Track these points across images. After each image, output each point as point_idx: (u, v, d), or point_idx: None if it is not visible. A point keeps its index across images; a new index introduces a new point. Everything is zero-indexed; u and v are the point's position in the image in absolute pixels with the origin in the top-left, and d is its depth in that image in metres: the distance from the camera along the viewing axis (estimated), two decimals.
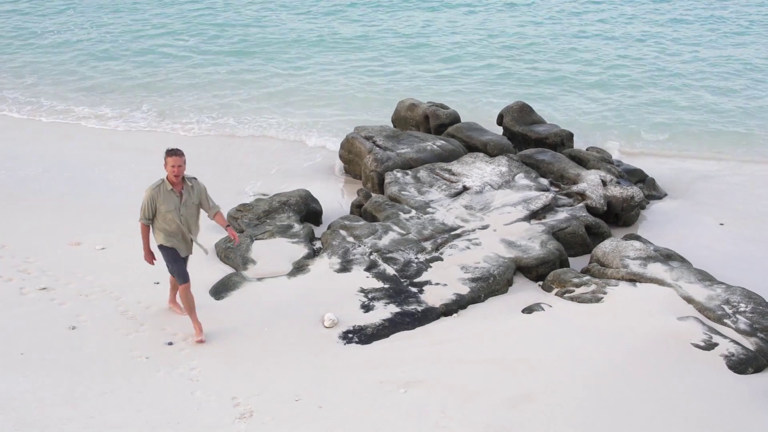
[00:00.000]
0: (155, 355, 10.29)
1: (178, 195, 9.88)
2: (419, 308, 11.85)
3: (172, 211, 9.84)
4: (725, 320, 11.34)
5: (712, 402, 9.62)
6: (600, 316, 11.47)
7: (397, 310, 11.78)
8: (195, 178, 10.15)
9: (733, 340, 10.85)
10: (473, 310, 12.07)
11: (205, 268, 12.44)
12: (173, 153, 9.67)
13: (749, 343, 10.86)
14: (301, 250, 13.42)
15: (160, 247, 10.19)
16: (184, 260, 10.44)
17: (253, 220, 14.39)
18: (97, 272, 12.45)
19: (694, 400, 9.63)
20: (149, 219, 9.98)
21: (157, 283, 12.12)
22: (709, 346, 10.72)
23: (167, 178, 9.81)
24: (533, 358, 10.45)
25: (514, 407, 9.35)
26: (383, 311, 11.72)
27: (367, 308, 11.79)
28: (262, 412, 9.15)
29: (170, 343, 10.59)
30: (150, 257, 10.46)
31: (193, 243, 10.39)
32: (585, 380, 9.90)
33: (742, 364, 10.46)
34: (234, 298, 11.95)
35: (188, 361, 10.18)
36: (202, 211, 10.49)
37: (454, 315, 11.96)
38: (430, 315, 11.79)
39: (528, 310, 11.88)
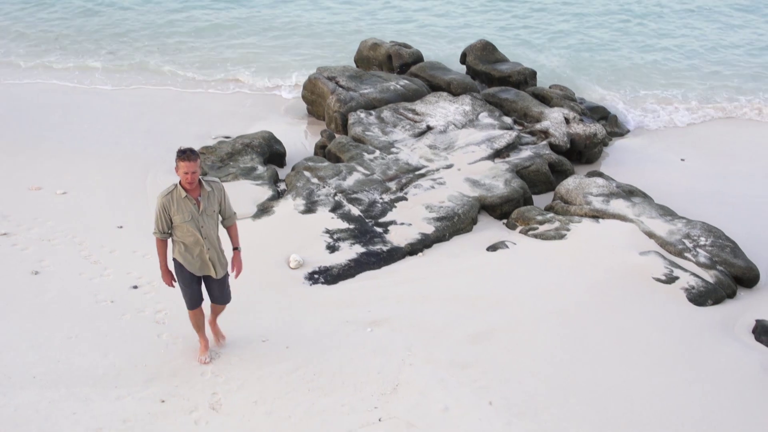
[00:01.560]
0: (120, 299, 10.25)
1: (194, 203, 8.06)
2: (384, 248, 11.90)
3: (189, 222, 8.06)
4: (686, 254, 11.53)
5: (671, 333, 9.82)
6: (563, 252, 11.61)
7: (363, 250, 11.82)
8: (216, 181, 8.32)
9: (693, 274, 11.06)
10: (438, 249, 12.15)
11: None
12: (186, 157, 7.77)
13: (709, 276, 11.08)
14: (265, 192, 13.37)
15: (175, 261, 8.44)
16: (210, 288, 8.79)
17: (216, 163, 14.28)
18: (58, 217, 12.31)
19: (655, 332, 9.83)
20: (165, 232, 8.20)
21: (120, 227, 12.04)
22: (670, 279, 10.91)
23: (180, 183, 8.02)
24: (497, 295, 10.57)
25: (478, 343, 9.48)
26: (348, 252, 11.75)
27: (332, 249, 11.81)
28: (229, 354, 9.19)
29: (135, 287, 10.55)
30: (168, 277, 8.55)
31: (214, 260, 8.46)
32: (547, 315, 10.06)
33: (701, 297, 10.68)
34: None
35: (154, 304, 10.15)
36: None
37: (420, 254, 12.03)
38: (395, 255, 11.85)
39: (492, 248, 11.98)
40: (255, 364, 9.00)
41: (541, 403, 8.43)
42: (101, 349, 9.14)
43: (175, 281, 8.51)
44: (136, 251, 11.43)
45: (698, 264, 11.34)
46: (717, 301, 10.77)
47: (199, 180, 8.04)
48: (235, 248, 8.53)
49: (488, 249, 12.00)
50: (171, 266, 8.58)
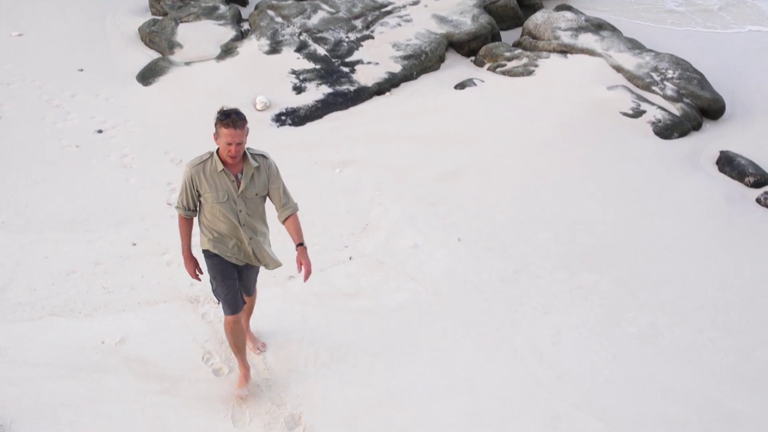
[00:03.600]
0: (85, 143, 10.12)
1: (233, 180, 5.77)
2: (351, 88, 11.76)
3: (223, 204, 5.80)
4: (653, 87, 11.54)
5: (638, 167, 9.94)
6: (531, 89, 11.56)
7: (330, 90, 11.68)
8: (265, 156, 5.93)
9: (660, 107, 11.10)
10: (406, 88, 12.04)
11: (129, 53, 12.07)
12: (231, 122, 5.52)
13: (675, 109, 11.13)
14: (228, 33, 13.03)
15: (205, 253, 6.08)
16: (241, 276, 6.30)
17: (177, 2, 13.81)
18: (16, 60, 11.97)
19: (621, 166, 9.94)
20: (190, 209, 5.96)
21: (81, 70, 11.75)
22: (637, 113, 10.96)
23: (219, 153, 5.75)
24: (465, 133, 10.58)
25: (447, 181, 9.56)
26: (315, 92, 11.61)
27: (299, 90, 11.66)
28: None
29: (100, 131, 10.41)
30: (192, 266, 6.20)
31: (260, 254, 6.17)
32: (515, 152, 10.11)
33: (667, 130, 10.76)
34: (162, 84, 11.68)
35: (120, 148, 10.05)
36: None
37: (387, 93, 11.92)
38: (362, 94, 11.73)
39: (460, 85, 11.89)
40: None
41: (509, 238, 8.59)
42: (69, 194, 9.09)
43: (200, 272, 6.23)
44: (99, 95, 11.21)
45: (665, 97, 11.38)
46: (683, 134, 10.87)
47: (245, 153, 5.79)
48: (299, 244, 5.94)
49: (456, 87, 11.90)
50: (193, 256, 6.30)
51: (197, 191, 5.80)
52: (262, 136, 10.57)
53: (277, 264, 6.24)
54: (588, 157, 10.08)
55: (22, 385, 6.25)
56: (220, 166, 5.69)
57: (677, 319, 7.45)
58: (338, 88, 11.73)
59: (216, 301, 6.36)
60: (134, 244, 8.32)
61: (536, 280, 7.97)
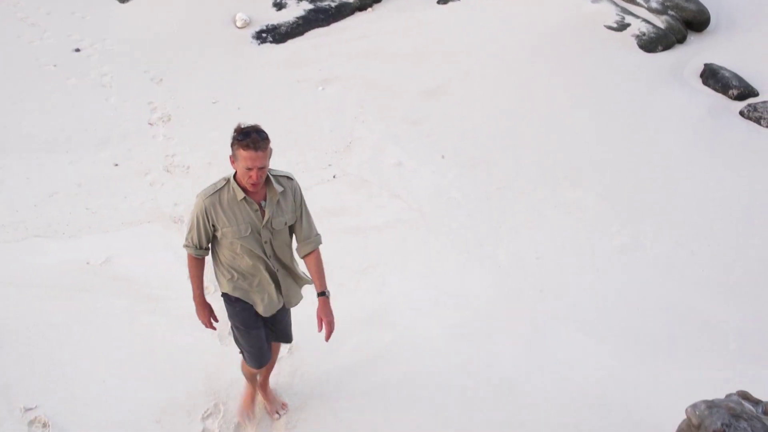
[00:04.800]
0: (63, 62, 9.95)
1: (257, 209, 4.69)
2: (333, 4, 11.56)
3: (246, 238, 4.70)
4: (638, 0, 11.42)
5: (622, 80, 9.88)
6: (515, 3, 11.38)
7: (311, 6, 11.47)
8: (289, 177, 4.85)
9: (644, 20, 11.00)
10: (388, 4, 11.84)
11: None
12: (251, 143, 4.40)
13: (660, 22, 11.03)
14: None
15: (225, 297, 5.00)
16: (273, 321, 5.17)
17: None
18: None
19: (605, 79, 9.87)
20: (202, 248, 4.82)
21: None
22: (622, 27, 10.85)
23: (236, 178, 4.64)
24: (449, 49, 10.46)
25: (430, 98, 9.49)
26: (296, 8, 11.41)
27: (279, 6, 11.45)
28: (180, 116, 9.11)
29: (77, 50, 10.22)
30: (206, 314, 5.03)
31: (286, 290, 5.05)
32: (499, 68, 10.02)
33: (652, 43, 10.68)
34: (140, 1, 11.43)
35: (99, 67, 9.90)
36: None
37: (369, 9, 11.73)
38: (344, 10, 11.54)
39: (443, 1, 11.70)
40: (207, 126, 8.95)
41: (493, 155, 8.58)
42: (49, 114, 8.98)
43: (216, 319, 5.12)
44: (75, 12, 10.97)
45: (650, 10, 11.26)
46: (667, 47, 10.78)
47: (269, 176, 4.70)
48: (321, 293, 4.89)
49: (439, 2, 11.71)
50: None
51: (213, 226, 4.69)
52: (242, 54, 10.44)
53: (298, 300, 5.15)
54: (572, 71, 10.00)
55: (9, 306, 6.26)
56: (240, 194, 4.60)
57: (659, 232, 7.52)
58: (319, 4, 11.53)
59: (238, 349, 5.28)
60: (116, 165, 8.26)
61: (520, 196, 7.99)
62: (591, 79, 9.89)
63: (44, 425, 5.22)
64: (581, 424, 5.46)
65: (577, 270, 7.04)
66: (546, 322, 6.41)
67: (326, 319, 4.82)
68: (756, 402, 4.91)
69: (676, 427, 4.83)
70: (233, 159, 4.50)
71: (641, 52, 10.54)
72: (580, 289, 6.81)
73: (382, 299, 6.59)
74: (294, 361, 5.90)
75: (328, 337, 4.84)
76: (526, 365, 5.97)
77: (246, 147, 4.40)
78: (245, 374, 5.38)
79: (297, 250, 4.93)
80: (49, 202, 7.60)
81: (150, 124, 8.90)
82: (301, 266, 5.01)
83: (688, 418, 4.66)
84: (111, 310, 6.28)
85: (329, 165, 8.36)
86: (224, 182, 4.66)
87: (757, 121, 9.22)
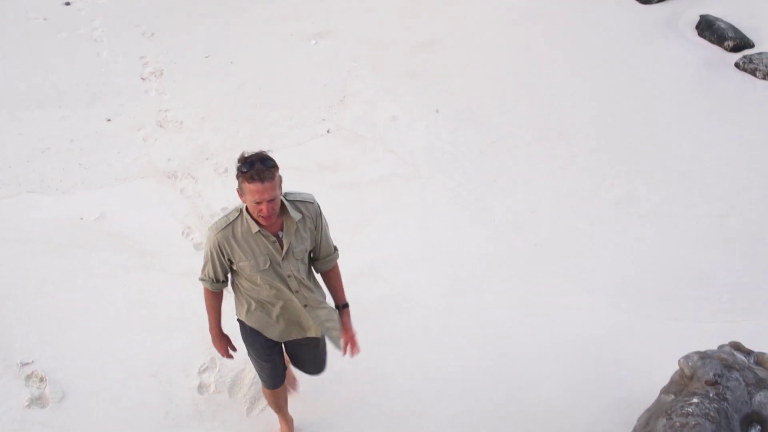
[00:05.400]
0: (53, 16, 9.85)
1: (274, 241, 4.25)
2: None
3: (266, 272, 4.30)
4: None
5: (618, 33, 9.77)
6: None
7: None
8: (308, 201, 4.38)
9: None
10: None
11: None
12: (254, 174, 3.93)
13: None
14: None
15: (241, 324, 4.70)
16: (297, 352, 4.90)
17: None
18: None
19: (601, 33, 9.76)
20: (219, 281, 4.46)
21: None
22: None
23: (248, 210, 4.20)
24: (444, 2, 10.36)
25: (424, 52, 9.41)
26: None
27: None
28: (172, 71, 9.04)
29: (67, 3, 10.11)
30: (224, 346, 4.75)
31: (316, 320, 4.56)
32: (494, 23, 9.94)
33: None
34: None
35: (89, 21, 9.79)
36: None
37: None
38: None
39: None
40: (200, 81, 8.89)
41: (488, 110, 8.54)
42: (39, 69, 8.91)
43: (234, 348, 4.80)
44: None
45: None
46: None
47: (283, 203, 4.25)
48: (344, 305, 4.67)
49: None
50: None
51: (228, 260, 4.32)
52: (235, 8, 10.34)
53: (331, 323, 4.57)
54: (568, 25, 9.91)
55: (2, 261, 6.26)
56: (255, 227, 4.18)
57: (654, 185, 7.51)
58: None
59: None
60: (109, 120, 8.21)
61: (515, 150, 7.97)
62: (587, 31, 9.80)
63: (41, 380, 5.26)
64: (575, 376, 5.52)
65: (572, 224, 7.05)
66: (540, 276, 6.44)
67: (350, 333, 4.57)
68: (748, 352, 4.96)
69: (668, 378, 4.88)
70: (240, 192, 4.07)
71: (637, 4, 10.42)
72: (575, 243, 6.83)
73: (376, 254, 6.60)
74: None
75: (354, 353, 4.55)
76: (521, 319, 6.01)
77: (251, 179, 3.93)
78: (270, 403, 5.10)
79: (314, 266, 4.56)
80: (42, 158, 7.57)
81: (142, 78, 8.83)
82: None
83: (681, 369, 4.71)
84: (105, 265, 6.29)
85: (323, 120, 8.32)
86: (236, 214, 4.24)
87: (753, 72, 9.16)
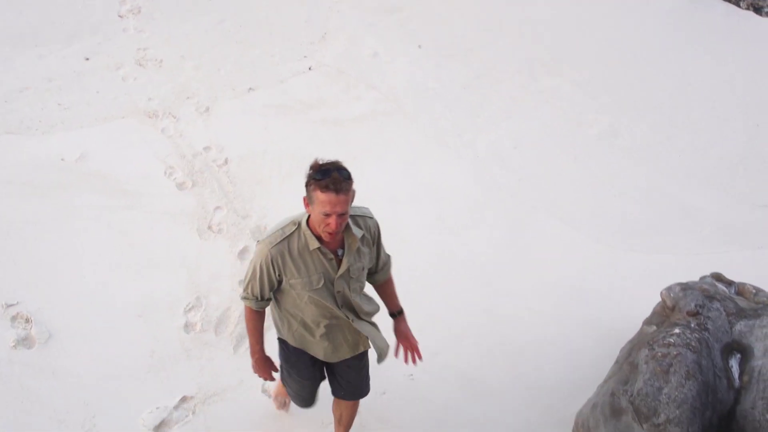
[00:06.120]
0: None
1: (331, 258, 3.90)
2: None
3: (318, 290, 3.94)
4: None
5: (621, 22, 9.60)
6: None
7: None
8: (368, 216, 4.11)
9: None
10: None
11: None
12: (331, 184, 3.60)
13: None
14: None
15: (283, 343, 4.33)
16: (338, 372, 4.41)
17: None
18: None
19: (603, 20, 9.61)
20: (264, 299, 4.07)
21: None
22: None
23: (309, 224, 3.84)
24: None
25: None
26: None
27: None
28: (150, 8, 8.87)
29: None
30: (267, 370, 4.33)
31: (358, 336, 4.24)
32: None
33: None
34: None
35: None
36: None
37: None
38: None
39: None
40: (179, 19, 8.74)
41: (470, 44, 8.47)
42: (14, 6, 8.71)
43: (275, 369, 4.39)
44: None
45: None
46: None
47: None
48: (399, 312, 4.35)
49: None
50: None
51: (279, 277, 3.94)
52: None
53: (382, 349, 4.22)
54: (570, 10, 9.73)
55: None
56: (314, 243, 3.81)
57: (636, 118, 7.52)
58: None
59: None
60: (87, 59, 8.08)
61: (498, 85, 7.93)
62: (588, 19, 9.62)
63: (27, 320, 5.26)
64: (559, 308, 5.58)
65: (555, 158, 7.06)
66: (524, 211, 6.47)
67: (409, 341, 4.25)
68: (729, 283, 5.02)
69: (651, 310, 4.95)
70: (307, 201, 3.72)
71: None
72: (558, 177, 6.84)
73: (360, 191, 6.50)
74: None
75: (415, 360, 4.24)
76: (505, 254, 6.05)
77: (325, 189, 3.59)
78: (276, 397, 4.99)
79: (371, 278, 4.24)
80: (20, 98, 7.45)
81: (120, 16, 8.67)
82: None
83: (663, 301, 4.77)
84: (88, 207, 6.25)
85: (304, 56, 8.23)
86: (293, 227, 3.86)
87: (736, 3, 9.11)
